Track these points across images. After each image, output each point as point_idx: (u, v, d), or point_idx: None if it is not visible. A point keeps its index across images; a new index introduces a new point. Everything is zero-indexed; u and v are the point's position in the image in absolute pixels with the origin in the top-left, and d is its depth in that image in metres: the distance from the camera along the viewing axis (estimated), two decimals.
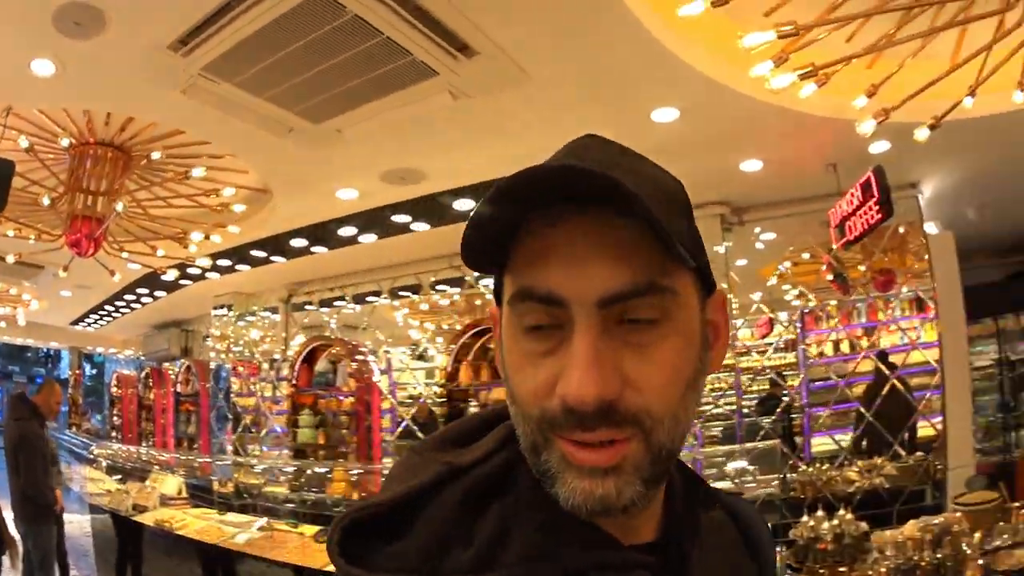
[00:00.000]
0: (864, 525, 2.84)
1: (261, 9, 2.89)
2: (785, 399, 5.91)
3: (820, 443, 5.59)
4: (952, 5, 2.71)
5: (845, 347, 5.91)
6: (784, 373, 6.34)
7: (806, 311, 5.95)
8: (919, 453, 4.94)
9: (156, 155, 4.50)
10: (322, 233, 6.17)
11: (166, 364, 10.02)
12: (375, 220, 5.72)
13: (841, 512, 2.91)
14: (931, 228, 5.43)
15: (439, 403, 5.49)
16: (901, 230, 5.23)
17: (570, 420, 0.50)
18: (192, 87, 3.49)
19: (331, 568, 0.52)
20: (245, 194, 5.21)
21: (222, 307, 8.06)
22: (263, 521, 4.60)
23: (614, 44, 3.26)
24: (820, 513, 2.92)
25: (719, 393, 5.92)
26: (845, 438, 5.45)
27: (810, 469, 4.54)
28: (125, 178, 4.72)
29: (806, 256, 5.97)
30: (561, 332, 0.52)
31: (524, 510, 0.55)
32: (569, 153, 0.57)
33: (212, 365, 8.48)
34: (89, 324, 11.75)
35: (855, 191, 4.40)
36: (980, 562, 2.58)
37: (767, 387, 6.38)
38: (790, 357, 6.26)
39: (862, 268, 5.79)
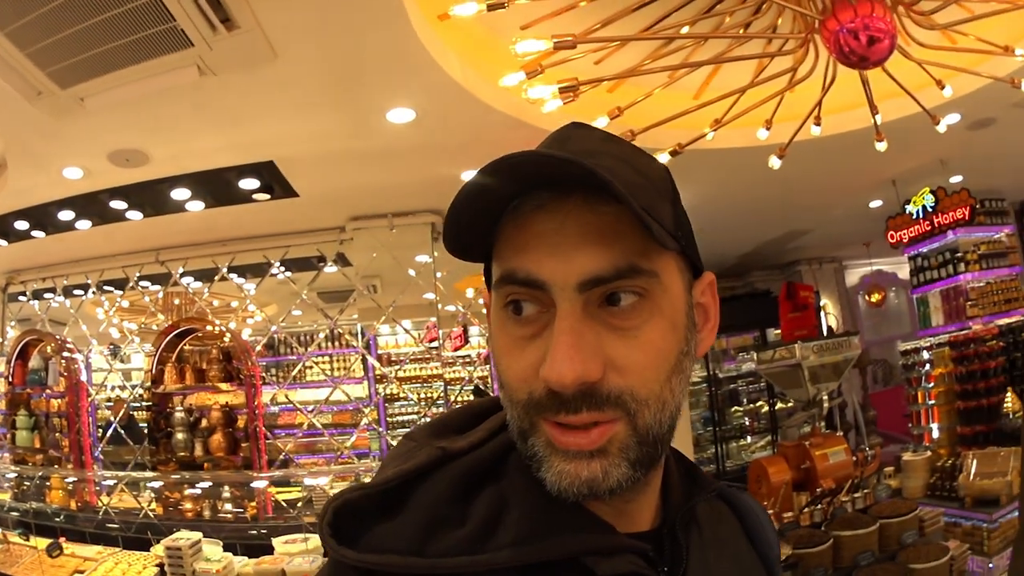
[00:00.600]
0: None
1: None
2: None
3: None
4: (713, 41, 2.84)
5: None
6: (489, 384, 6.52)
7: None
8: None
9: None
10: (43, 216, 5.63)
11: None
12: (93, 205, 5.30)
13: None
14: None
15: (144, 406, 5.17)
16: None
17: (554, 402, 0.51)
18: None
19: None
20: None
21: None
22: None
23: (370, 31, 3.10)
24: None
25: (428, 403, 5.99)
26: None
27: None
28: None
29: None
30: (546, 316, 0.52)
31: (517, 495, 0.55)
32: (552, 142, 0.58)
33: None
34: None
35: None
36: None
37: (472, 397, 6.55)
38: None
39: None
